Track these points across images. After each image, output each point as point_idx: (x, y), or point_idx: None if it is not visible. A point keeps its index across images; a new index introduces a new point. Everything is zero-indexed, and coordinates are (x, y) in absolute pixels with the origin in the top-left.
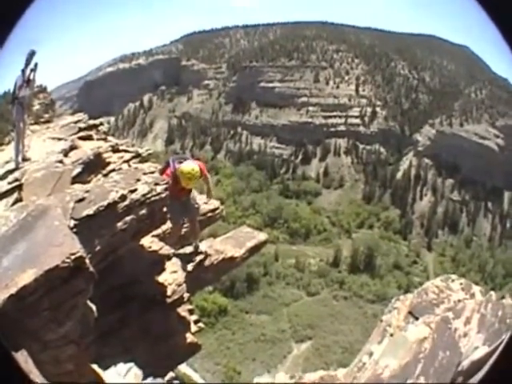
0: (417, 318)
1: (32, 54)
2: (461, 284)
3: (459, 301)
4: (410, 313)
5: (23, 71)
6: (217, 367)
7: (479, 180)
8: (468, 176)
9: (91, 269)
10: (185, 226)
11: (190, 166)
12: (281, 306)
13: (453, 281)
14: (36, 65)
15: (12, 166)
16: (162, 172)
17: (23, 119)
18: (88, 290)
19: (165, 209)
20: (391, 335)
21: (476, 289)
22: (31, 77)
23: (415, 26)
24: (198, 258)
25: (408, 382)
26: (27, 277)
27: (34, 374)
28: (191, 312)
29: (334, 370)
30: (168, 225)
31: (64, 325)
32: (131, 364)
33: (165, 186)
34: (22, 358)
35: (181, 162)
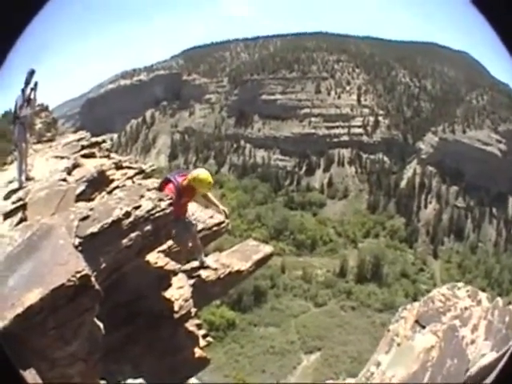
0: (424, 327)
1: (31, 73)
2: (467, 291)
3: (466, 308)
4: (416, 322)
5: (23, 91)
6: (226, 380)
7: (483, 186)
8: (472, 182)
9: (97, 287)
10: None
11: (204, 171)
12: (289, 318)
13: (459, 288)
14: (36, 84)
15: (16, 185)
16: (160, 190)
17: (25, 139)
18: (94, 308)
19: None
20: (398, 345)
21: (483, 295)
22: (32, 95)
23: (415, 34)
24: (205, 272)
25: None
26: (33, 296)
27: None
28: (199, 327)
29: (343, 380)
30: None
31: (71, 343)
32: (140, 380)
33: (169, 202)
34: (31, 376)
35: (184, 175)
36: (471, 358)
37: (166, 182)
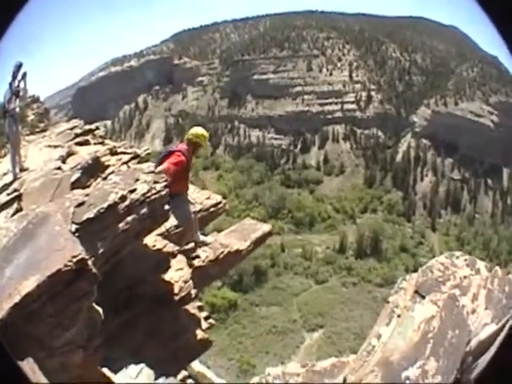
0: (423, 297)
1: (19, 66)
2: (465, 260)
3: (465, 277)
4: (416, 292)
5: (11, 84)
6: (230, 363)
7: (477, 157)
8: (466, 154)
9: (94, 270)
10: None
11: (200, 127)
12: (290, 297)
13: (457, 257)
14: (25, 74)
15: (10, 178)
16: (161, 163)
17: (17, 131)
18: (92, 292)
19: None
20: (399, 316)
21: (481, 264)
22: (21, 85)
23: (403, 9)
24: (203, 253)
25: (418, 363)
26: (30, 284)
27: (42, 382)
28: (201, 309)
29: (347, 357)
30: (175, 222)
31: (69, 329)
32: (142, 365)
33: (164, 184)
34: (29, 366)
35: (177, 146)
36: (473, 328)
37: (168, 155)
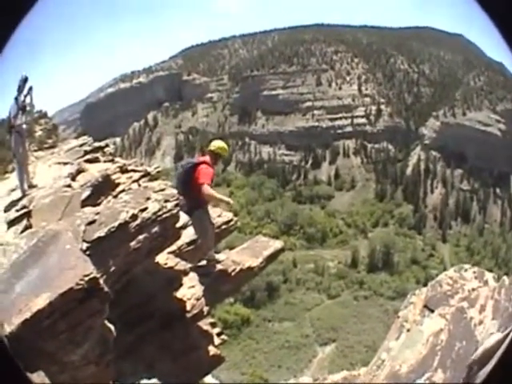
0: (432, 311)
1: (24, 80)
2: (474, 272)
3: (473, 289)
4: (425, 306)
5: (16, 99)
6: (243, 377)
7: (486, 167)
8: (475, 164)
9: (106, 289)
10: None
11: (220, 140)
12: (303, 312)
13: (466, 270)
14: (31, 88)
15: (18, 194)
16: (191, 175)
17: (23, 147)
18: (104, 310)
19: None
20: (408, 330)
21: (489, 276)
22: (27, 100)
23: (409, 19)
24: (215, 269)
25: (426, 375)
26: (41, 301)
27: None
28: (213, 325)
29: (359, 370)
30: (187, 240)
31: (81, 346)
32: (154, 380)
33: (175, 202)
34: (39, 380)
35: (198, 159)
36: (480, 338)
37: (194, 167)
